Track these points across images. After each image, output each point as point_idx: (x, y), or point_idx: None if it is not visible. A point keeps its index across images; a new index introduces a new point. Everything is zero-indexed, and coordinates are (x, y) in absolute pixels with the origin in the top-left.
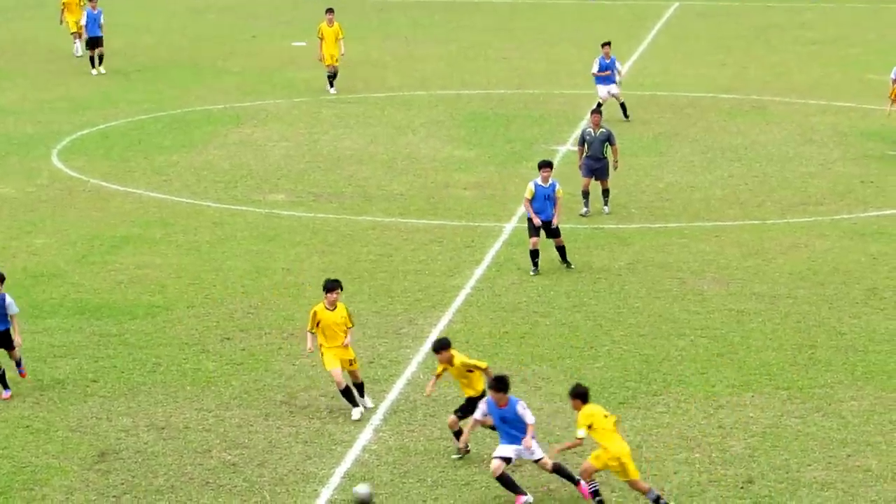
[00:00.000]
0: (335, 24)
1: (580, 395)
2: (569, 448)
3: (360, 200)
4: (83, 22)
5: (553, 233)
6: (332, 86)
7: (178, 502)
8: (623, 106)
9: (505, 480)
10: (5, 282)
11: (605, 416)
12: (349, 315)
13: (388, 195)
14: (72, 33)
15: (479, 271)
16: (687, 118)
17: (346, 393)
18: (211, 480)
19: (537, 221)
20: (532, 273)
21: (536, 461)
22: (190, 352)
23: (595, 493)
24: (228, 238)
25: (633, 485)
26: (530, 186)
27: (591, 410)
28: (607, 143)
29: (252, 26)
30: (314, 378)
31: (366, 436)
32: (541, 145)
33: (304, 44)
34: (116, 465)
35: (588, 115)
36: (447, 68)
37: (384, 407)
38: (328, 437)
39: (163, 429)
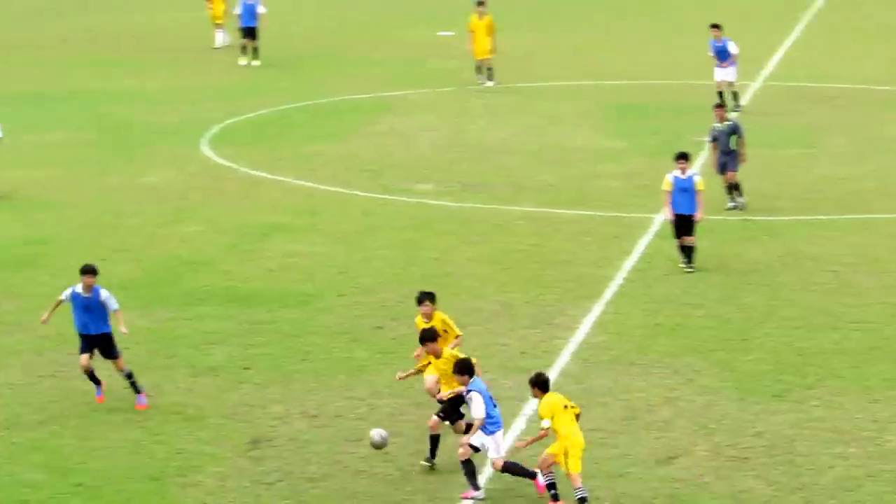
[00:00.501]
0: (486, 17)
1: (540, 384)
2: (533, 441)
3: (509, 190)
4: (238, 12)
5: (687, 229)
6: (490, 79)
7: (332, 490)
8: (735, 95)
9: (468, 467)
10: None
11: (566, 407)
12: (450, 324)
13: (537, 185)
14: (214, 24)
15: (629, 262)
16: (838, 109)
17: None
18: (364, 469)
19: (669, 215)
20: (685, 268)
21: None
22: (341, 340)
23: (551, 486)
24: (377, 227)
25: (571, 478)
26: (668, 178)
27: (552, 400)
28: (734, 135)
29: (399, 15)
30: None
31: (519, 425)
32: (689, 136)
33: (450, 33)
34: (270, 453)
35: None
36: (595, 58)
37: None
38: None
39: (315, 416)
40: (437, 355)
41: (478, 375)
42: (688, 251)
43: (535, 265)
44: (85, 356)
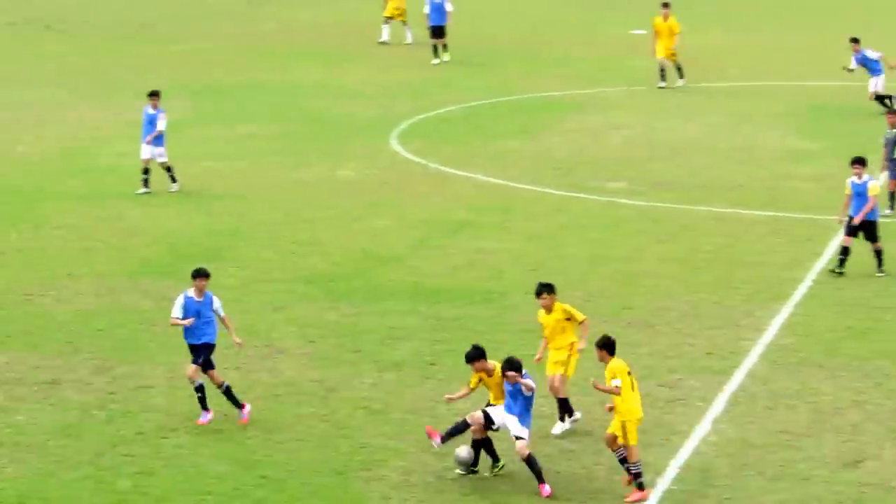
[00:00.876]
0: (670, 18)
1: (608, 346)
2: (606, 391)
3: (699, 190)
4: (426, 11)
5: (867, 234)
6: (681, 76)
7: (518, 487)
8: (881, 100)
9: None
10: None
11: (629, 373)
12: (573, 311)
13: (727, 185)
14: (385, 17)
15: (819, 265)
16: None
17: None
18: (547, 466)
19: (840, 218)
20: (836, 270)
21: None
22: (527, 338)
23: (624, 461)
24: (567, 225)
25: (629, 451)
26: (847, 183)
27: (619, 364)
28: None
29: (592, 13)
30: (652, 367)
31: (704, 427)
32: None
33: (643, 32)
34: (453, 449)
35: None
36: (788, 58)
37: (723, 398)
38: (666, 427)
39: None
40: (489, 373)
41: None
42: (877, 255)
43: (723, 266)
44: (194, 368)
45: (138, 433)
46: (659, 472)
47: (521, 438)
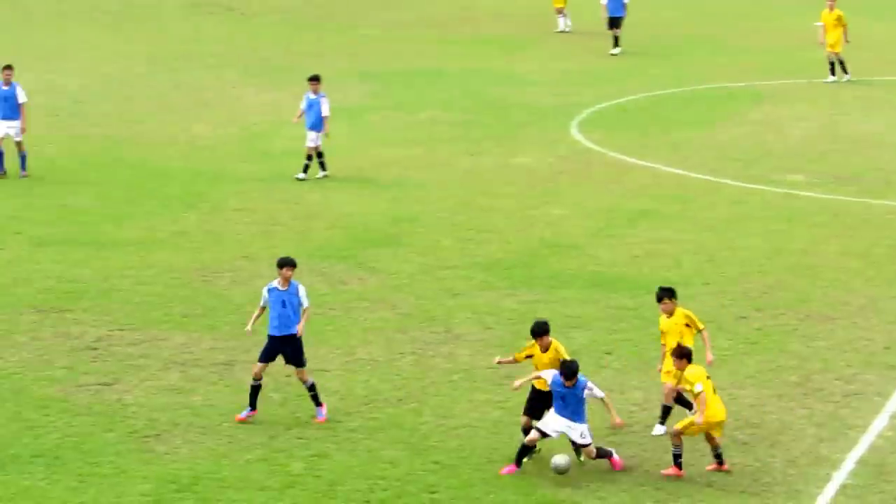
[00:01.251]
0: (835, 10)
1: (686, 355)
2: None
3: (880, 184)
4: (604, 2)
5: None
6: (845, 72)
7: (689, 478)
8: None
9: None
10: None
11: (708, 378)
12: (693, 318)
13: None
14: (557, 8)
15: None
16: None
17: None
18: (726, 457)
19: None
20: None
21: (582, 446)
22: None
23: (678, 456)
24: (746, 217)
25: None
26: None
27: (698, 370)
28: None
29: (775, 4)
30: (829, 361)
31: (880, 422)
32: None
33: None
34: (628, 439)
35: None
36: None
37: None
38: (841, 421)
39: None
40: (546, 348)
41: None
42: None
43: None
44: (261, 365)
45: (313, 416)
46: (835, 466)
47: (586, 445)
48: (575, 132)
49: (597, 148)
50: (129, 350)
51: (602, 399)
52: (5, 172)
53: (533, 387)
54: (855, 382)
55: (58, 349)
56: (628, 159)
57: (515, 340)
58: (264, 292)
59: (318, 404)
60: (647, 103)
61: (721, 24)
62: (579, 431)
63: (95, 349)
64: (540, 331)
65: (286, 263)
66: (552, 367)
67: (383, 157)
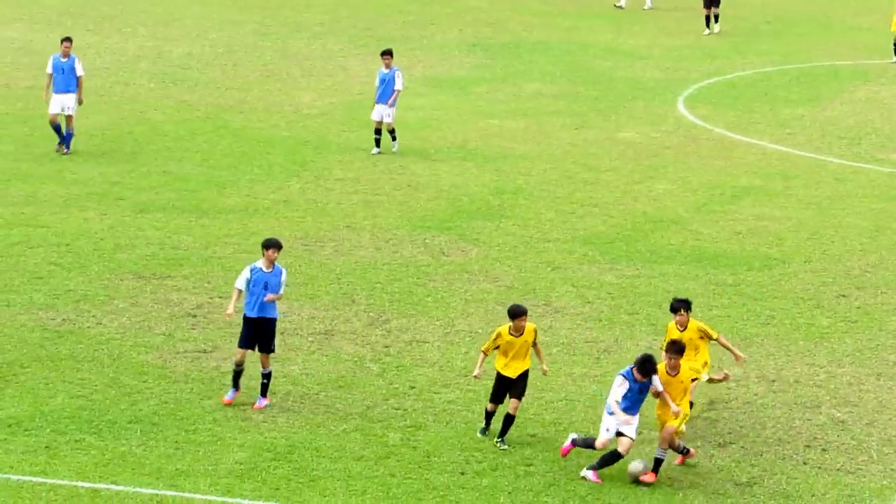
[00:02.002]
0: None
1: (682, 350)
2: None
3: None
4: None
5: None
6: None
7: (785, 456)
8: None
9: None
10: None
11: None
12: (707, 329)
13: None
14: None
15: None
16: None
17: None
18: (818, 436)
19: None
20: None
21: (629, 439)
22: (805, 306)
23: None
24: (849, 195)
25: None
26: None
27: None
28: None
29: None
30: None
31: None
32: None
33: None
34: (724, 415)
35: None
36: None
37: None
38: None
39: (773, 381)
40: (520, 332)
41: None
42: None
43: None
44: (242, 352)
45: (411, 387)
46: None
47: (631, 438)
48: (681, 108)
49: (702, 124)
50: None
51: (660, 392)
52: (68, 149)
53: (499, 374)
54: None
55: (157, 316)
56: (734, 136)
57: (615, 315)
58: (246, 272)
59: (263, 395)
60: (754, 80)
61: (830, 1)
62: (635, 426)
63: (195, 317)
64: (520, 312)
65: (272, 245)
66: (525, 352)
67: (488, 128)
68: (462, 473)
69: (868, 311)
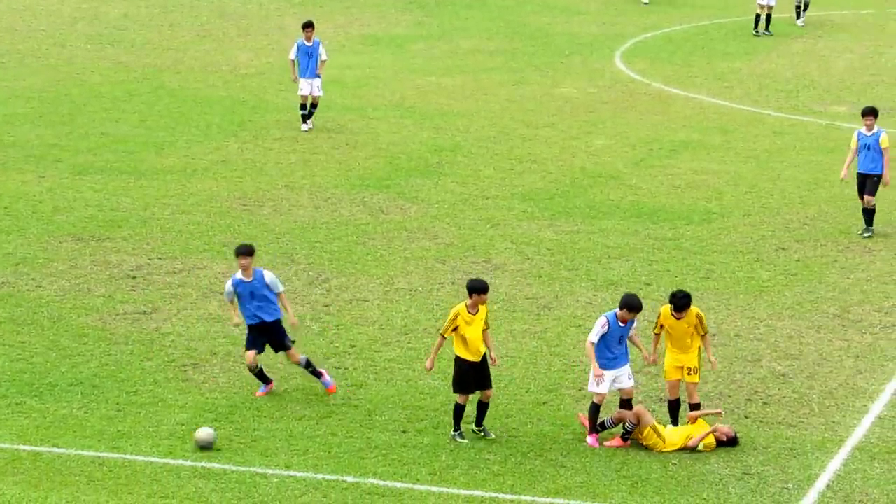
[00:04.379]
0: None
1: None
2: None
3: None
4: None
5: (870, 187)
6: None
7: (726, 409)
8: None
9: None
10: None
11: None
12: (703, 320)
13: None
14: None
15: None
16: None
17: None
18: (760, 390)
19: (843, 173)
20: (864, 234)
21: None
22: (744, 260)
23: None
24: (787, 148)
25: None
26: (854, 137)
27: None
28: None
29: None
30: (868, 293)
31: None
32: None
33: None
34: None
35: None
36: None
37: None
38: (880, 352)
39: (714, 335)
40: (475, 309)
41: None
42: (867, 214)
43: None
44: (252, 353)
45: (351, 346)
46: (872, 398)
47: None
48: (618, 62)
49: (640, 78)
50: (168, 279)
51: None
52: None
53: (460, 359)
54: (894, 314)
55: (97, 278)
56: (671, 90)
57: (554, 271)
58: (229, 286)
59: (319, 374)
60: (691, 34)
61: None
62: (628, 372)
63: (134, 278)
64: (482, 287)
65: (242, 252)
66: (479, 329)
67: (426, 86)
68: (404, 432)
69: (807, 263)
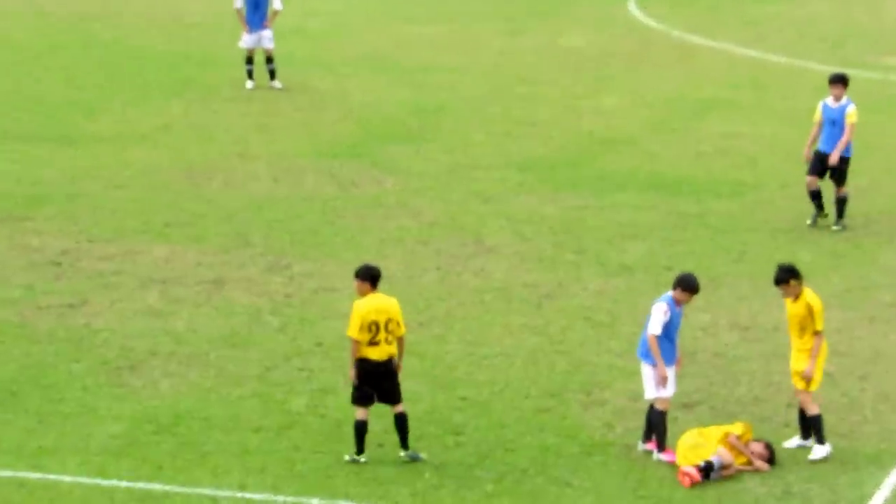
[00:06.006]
0: None
1: (791, 275)
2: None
3: None
4: None
5: (834, 173)
6: None
7: (763, 417)
8: None
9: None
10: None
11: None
12: (815, 311)
13: None
14: None
15: None
16: None
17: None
18: None
19: (807, 153)
20: (809, 222)
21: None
22: (782, 239)
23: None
24: None
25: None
26: (818, 108)
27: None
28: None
29: None
30: None
31: None
32: None
33: None
34: (691, 370)
35: None
36: None
37: None
38: None
39: (747, 329)
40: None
41: None
42: (839, 205)
43: None
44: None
45: (317, 344)
46: None
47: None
48: (632, 8)
49: (658, 26)
50: (100, 266)
51: None
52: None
53: (363, 362)
54: None
55: (14, 265)
56: (695, 39)
57: (558, 254)
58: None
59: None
60: None
61: None
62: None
63: (59, 265)
64: (375, 274)
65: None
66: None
67: (405, 35)
68: (380, 445)
69: (858, 243)
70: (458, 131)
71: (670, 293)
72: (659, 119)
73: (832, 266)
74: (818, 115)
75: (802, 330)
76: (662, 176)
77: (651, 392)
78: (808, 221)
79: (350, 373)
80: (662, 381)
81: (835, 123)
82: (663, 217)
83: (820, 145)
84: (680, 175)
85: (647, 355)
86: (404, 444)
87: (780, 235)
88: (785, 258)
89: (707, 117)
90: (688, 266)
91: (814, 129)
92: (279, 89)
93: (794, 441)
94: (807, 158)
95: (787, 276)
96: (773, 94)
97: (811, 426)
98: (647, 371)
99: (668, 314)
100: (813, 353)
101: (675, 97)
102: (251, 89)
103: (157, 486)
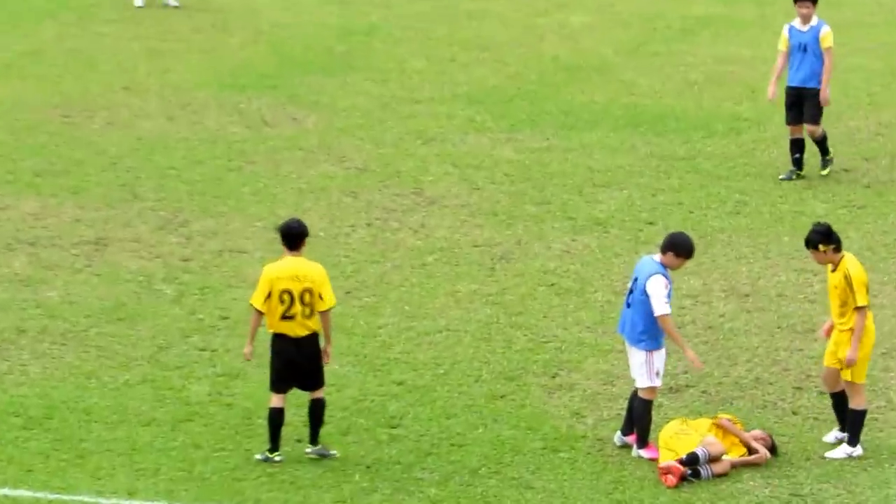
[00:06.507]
0: None
1: (826, 237)
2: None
3: None
4: None
5: (810, 110)
6: None
7: (766, 403)
8: None
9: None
10: None
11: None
12: (853, 283)
13: None
14: None
15: None
16: None
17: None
18: (814, 373)
19: (771, 91)
20: (782, 177)
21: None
22: (789, 187)
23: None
24: (851, 24)
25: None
26: (783, 33)
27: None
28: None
29: None
30: None
31: None
32: None
33: None
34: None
35: None
36: None
37: None
38: None
39: (747, 296)
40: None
41: None
42: (820, 145)
43: None
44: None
45: (222, 317)
46: None
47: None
48: None
49: None
50: None
51: None
52: None
53: (277, 338)
54: None
55: None
56: None
57: (515, 206)
58: None
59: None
60: None
61: None
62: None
63: None
64: (295, 232)
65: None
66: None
67: None
68: (298, 441)
69: (881, 191)
70: (393, 57)
71: (657, 258)
72: (638, 41)
73: (849, 219)
74: (784, 42)
75: (844, 305)
76: (642, 110)
77: (644, 381)
78: (782, 176)
79: (245, 349)
80: (657, 370)
81: (806, 49)
82: (643, 160)
83: (790, 80)
84: (663, 109)
85: (639, 340)
86: (313, 437)
87: (785, 182)
88: (792, 211)
89: (697, 38)
90: (674, 220)
91: (779, 60)
92: (174, 7)
93: (833, 435)
94: (771, 95)
95: (816, 239)
96: (778, 9)
97: (849, 420)
98: (638, 356)
99: (669, 286)
100: (856, 335)
101: (658, 13)
102: (140, 6)
103: (25, 493)
